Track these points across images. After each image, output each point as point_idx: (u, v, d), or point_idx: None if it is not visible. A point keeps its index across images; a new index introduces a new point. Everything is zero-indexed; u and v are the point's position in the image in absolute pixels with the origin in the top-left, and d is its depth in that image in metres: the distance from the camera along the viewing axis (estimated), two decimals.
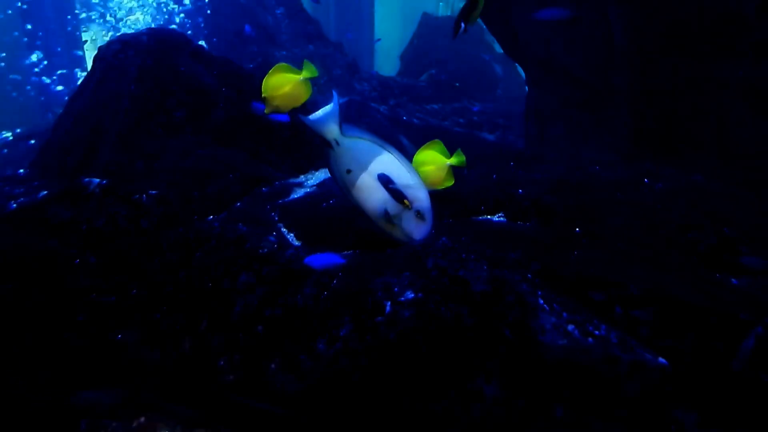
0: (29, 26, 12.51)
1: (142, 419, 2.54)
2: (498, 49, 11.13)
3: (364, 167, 2.29)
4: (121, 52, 4.78)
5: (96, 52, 5.21)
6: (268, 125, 4.76)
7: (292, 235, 3.16)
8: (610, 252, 2.65)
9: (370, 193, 2.27)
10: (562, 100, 5.65)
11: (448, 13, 22.03)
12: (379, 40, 18.01)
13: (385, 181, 2.22)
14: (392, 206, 2.22)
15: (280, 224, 3.28)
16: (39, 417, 2.52)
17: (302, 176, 4.58)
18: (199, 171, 3.92)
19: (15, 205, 3.64)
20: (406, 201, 2.18)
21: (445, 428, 2.14)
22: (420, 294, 2.39)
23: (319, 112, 2.38)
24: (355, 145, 2.33)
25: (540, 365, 2.11)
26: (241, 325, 2.61)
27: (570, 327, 2.15)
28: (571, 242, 2.77)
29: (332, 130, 2.37)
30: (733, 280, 2.58)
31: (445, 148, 2.60)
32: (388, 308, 2.38)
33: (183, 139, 4.25)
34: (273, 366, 2.44)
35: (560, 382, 2.07)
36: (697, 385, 2.04)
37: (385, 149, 2.28)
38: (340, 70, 10.73)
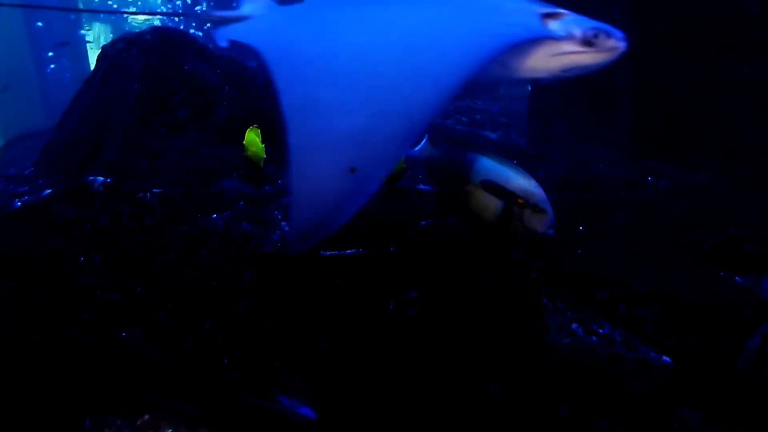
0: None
1: (146, 417, 2.55)
2: None
3: (467, 180, 2.31)
4: (125, 50, 4.79)
5: (99, 50, 5.23)
6: (271, 124, 4.76)
7: None
8: (614, 251, 2.65)
9: (482, 201, 2.28)
10: (566, 98, 5.63)
11: None
12: None
13: (492, 186, 2.22)
14: (508, 208, 2.23)
15: (283, 223, 3.29)
16: (45, 415, 2.53)
17: None
18: (203, 169, 3.92)
19: (20, 203, 3.65)
20: (519, 200, 2.18)
21: (448, 427, 2.14)
22: (424, 292, 2.40)
23: (416, 148, 2.51)
24: (456, 159, 2.38)
25: (544, 364, 2.11)
26: (245, 324, 2.61)
27: (574, 326, 2.15)
28: (574, 241, 2.77)
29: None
30: (737, 278, 2.58)
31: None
32: (392, 306, 2.38)
33: (187, 138, 4.25)
34: (277, 364, 2.44)
35: (564, 381, 2.07)
36: (703, 383, 2.03)
37: (479, 155, 2.30)
38: None
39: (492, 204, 2.27)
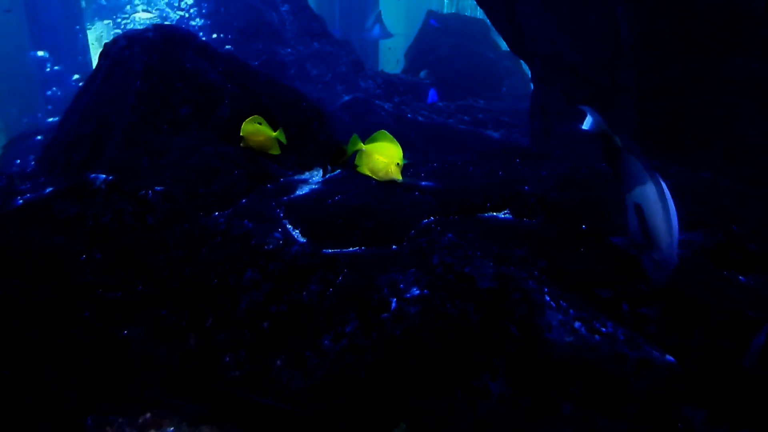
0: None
1: (148, 415, 2.55)
2: (503, 46, 11.08)
3: (629, 188, 2.32)
4: (127, 48, 4.79)
5: (102, 48, 5.22)
6: (273, 123, 4.75)
7: (297, 231, 3.16)
8: (617, 249, 2.64)
9: (629, 214, 2.30)
10: (568, 97, 5.62)
11: (453, 11, 21.99)
12: (389, 48, 18.30)
13: (639, 214, 2.23)
14: (639, 237, 2.23)
15: (285, 221, 3.28)
16: (46, 413, 2.53)
17: (307, 173, 4.58)
18: (205, 167, 3.92)
19: (21, 201, 3.65)
20: (649, 243, 2.19)
21: (450, 426, 2.14)
22: (426, 291, 2.39)
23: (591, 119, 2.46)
24: (630, 162, 2.35)
25: (546, 362, 2.10)
26: (247, 322, 2.61)
27: (577, 324, 2.14)
28: (577, 239, 2.75)
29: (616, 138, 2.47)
30: (740, 277, 2.57)
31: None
32: (393, 305, 2.37)
33: (188, 136, 4.25)
34: (278, 362, 2.44)
35: (567, 380, 2.06)
36: (706, 382, 2.03)
37: (651, 179, 2.26)
38: (345, 67, 10.70)
39: (632, 219, 2.30)
